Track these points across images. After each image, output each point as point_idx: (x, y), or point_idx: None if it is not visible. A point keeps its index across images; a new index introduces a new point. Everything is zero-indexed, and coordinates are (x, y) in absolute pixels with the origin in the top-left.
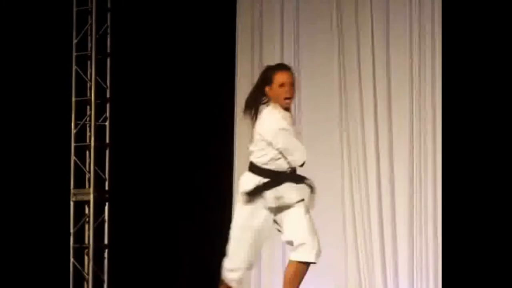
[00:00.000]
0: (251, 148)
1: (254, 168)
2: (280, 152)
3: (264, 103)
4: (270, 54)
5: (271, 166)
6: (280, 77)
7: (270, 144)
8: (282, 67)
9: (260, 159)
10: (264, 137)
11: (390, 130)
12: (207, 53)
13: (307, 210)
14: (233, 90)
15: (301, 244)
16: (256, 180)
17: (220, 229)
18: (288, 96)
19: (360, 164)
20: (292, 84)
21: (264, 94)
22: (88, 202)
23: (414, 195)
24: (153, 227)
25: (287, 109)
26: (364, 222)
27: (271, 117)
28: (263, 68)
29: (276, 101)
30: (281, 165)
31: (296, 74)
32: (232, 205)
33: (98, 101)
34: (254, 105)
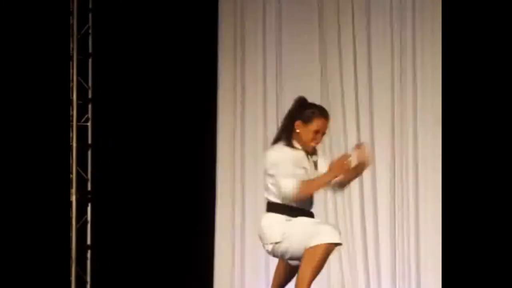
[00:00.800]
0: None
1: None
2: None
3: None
4: (252, 54)
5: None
6: (320, 124)
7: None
8: (325, 113)
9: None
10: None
11: (371, 134)
12: (189, 53)
13: None
14: (215, 89)
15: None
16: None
17: (202, 229)
18: (318, 143)
19: None
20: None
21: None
22: (70, 203)
23: (396, 194)
24: (136, 228)
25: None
26: (346, 222)
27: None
28: (300, 100)
29: (301, 140)
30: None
31: None
32: (215, 205)
33: (80, 102)
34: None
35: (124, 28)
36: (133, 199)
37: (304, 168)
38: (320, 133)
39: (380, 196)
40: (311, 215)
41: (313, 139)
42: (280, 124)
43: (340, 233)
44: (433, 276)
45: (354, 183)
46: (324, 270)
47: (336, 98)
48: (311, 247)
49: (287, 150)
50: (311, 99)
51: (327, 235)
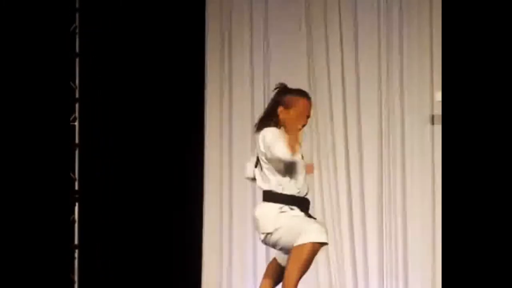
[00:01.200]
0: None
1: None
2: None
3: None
4: (239, 52)
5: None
6: (302, 106)
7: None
8: (306, 95)
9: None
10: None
11: (359, 133)
12: (176, 52)
13: None
14: (202, 88)
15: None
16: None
17: (190, 229)
18: (304, 125)
19: (330, 166)
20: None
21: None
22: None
23: (383, 192)
24: (124, 227)
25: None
26: (334, 221)
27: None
28: (281, 87)
29: (288, 125)
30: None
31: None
32: (203, 204)
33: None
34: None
35: (112, 27)
36: (121, 199)
37: None
38: (304, 115)
39: (367, 194)
40: (307, 202)
41: (298, 122)
42: (263, 113)
43: (327, 232)
44: (421, 275)
45: (342, 183)
46: (312, 269)
47: (323, 96)
48: (298, 245)
49: (279, 132)
50: None
51: (313, 234)
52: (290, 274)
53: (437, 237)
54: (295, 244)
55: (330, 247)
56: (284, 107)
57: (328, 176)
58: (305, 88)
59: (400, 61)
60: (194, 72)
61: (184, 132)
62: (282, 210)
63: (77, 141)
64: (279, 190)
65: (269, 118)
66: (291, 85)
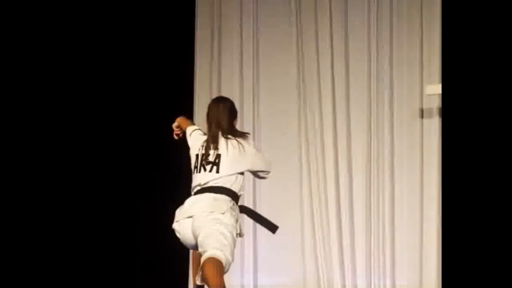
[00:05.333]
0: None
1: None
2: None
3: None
4: (229, 47)
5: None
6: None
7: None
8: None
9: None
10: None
11: (348, 126)
12: (166, 46)
13: None
14: (192, 82)
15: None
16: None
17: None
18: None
19: (319, 160)
20: None
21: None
22: None
23: (371, 193)
24: (108, 227)
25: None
26: (322, 219)
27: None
28: (232, 101)
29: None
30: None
31: None
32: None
33: None
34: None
35: (103, 20)
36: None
37: None
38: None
39: (355, 187)
40: None
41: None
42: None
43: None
44: (408, 272)
45: (330, 176)
46: (299, 267)
47: (312, 89)
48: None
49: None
50: (288, 92)
51: (214, 251)
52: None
53: (424, 230)
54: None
55: (317, 240)
56: (235, 119)
57: (317, 168)
58: (294, 82)
59: (390, 55)
60: (184, 65)
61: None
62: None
63: None
64: None
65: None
66: (281, 80)
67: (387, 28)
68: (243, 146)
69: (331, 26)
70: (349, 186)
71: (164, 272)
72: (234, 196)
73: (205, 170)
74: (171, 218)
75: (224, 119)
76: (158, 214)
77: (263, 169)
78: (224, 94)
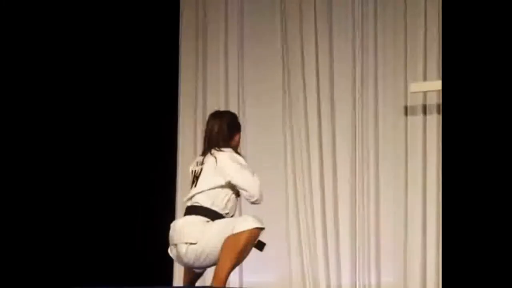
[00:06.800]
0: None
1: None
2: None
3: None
4: (215, 49)
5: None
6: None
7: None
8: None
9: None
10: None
11: (333, 125)
12: (151, 47)
13: None
14: (176, 84)
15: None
16: None
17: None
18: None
19: (304, 159)
20: None
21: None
22: None
23: (356, 190)
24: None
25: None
26: (306, 209)
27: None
28: (233, 115)
29: (236, 147)
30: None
31: None
32: (175, 206)
33: None
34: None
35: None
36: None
37: None
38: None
39: (340, 185)
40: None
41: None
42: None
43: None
44: (393, 268)
45: (315, 173)
46: (285, 264)
47: (297, 86)
48: (233, 234)
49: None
50: (272, 91)
51: (250, 222)
52: (224, 263)
53: (409, 227)
54: (230, 234)
55: (302, 236)
56: (239, 132)
57: (302, 168)
58: (279, 79)
59: (375, 52)
60: (169, 68)
61: (158, 130)
62: (207, 220)
63: None
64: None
65: (228, 143)
66: (266, 76)
67: (372, 25)
68: (223, 159)
69: (315, 24)
70: (334, 184)
71: (164, 272)
72: (214, 216)
73: (192, 185)
74: (171, 218)
75: (215, 135)
76: (158, 214)
77: (245, 188)
78: (210, 101)
